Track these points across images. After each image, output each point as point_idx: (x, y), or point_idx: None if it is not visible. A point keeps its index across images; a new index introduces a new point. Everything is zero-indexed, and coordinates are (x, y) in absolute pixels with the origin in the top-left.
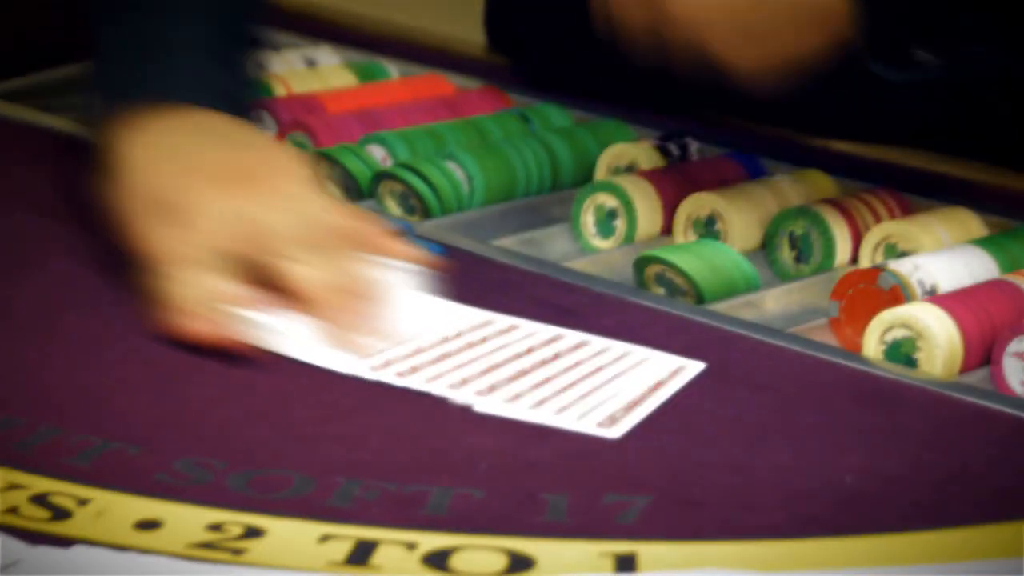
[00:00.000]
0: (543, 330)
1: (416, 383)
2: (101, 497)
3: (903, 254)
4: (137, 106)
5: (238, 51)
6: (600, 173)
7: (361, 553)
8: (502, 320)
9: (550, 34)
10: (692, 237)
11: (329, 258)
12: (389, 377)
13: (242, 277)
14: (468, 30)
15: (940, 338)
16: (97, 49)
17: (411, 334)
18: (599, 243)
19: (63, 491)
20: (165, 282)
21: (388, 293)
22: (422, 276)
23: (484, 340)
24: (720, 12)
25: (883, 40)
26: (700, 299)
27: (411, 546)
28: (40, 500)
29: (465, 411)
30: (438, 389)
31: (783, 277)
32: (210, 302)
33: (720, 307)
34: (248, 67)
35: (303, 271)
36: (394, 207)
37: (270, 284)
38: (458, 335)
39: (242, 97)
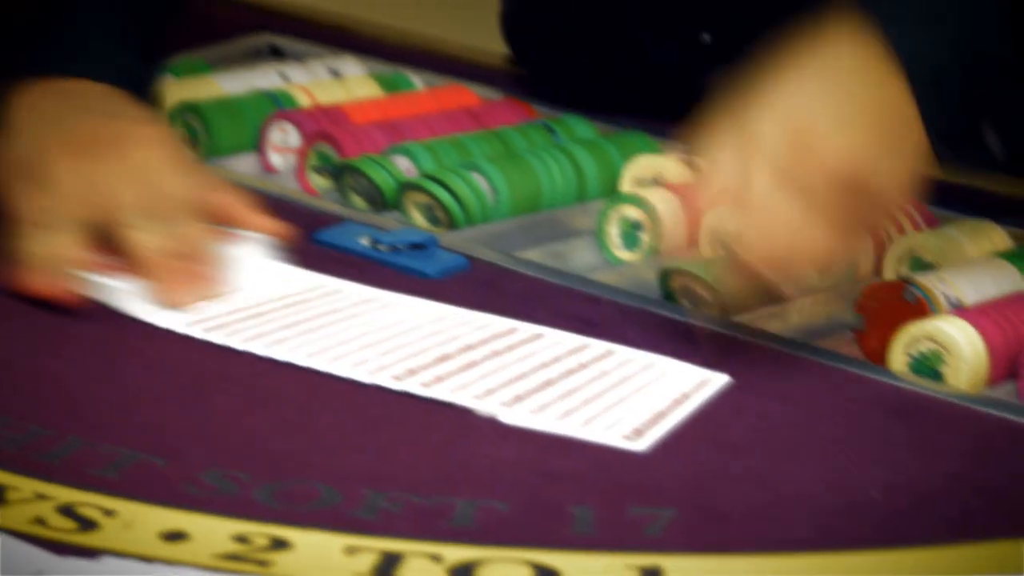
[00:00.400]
0: (568, 340)
1: (441, 393)
2: (128, 508)
3: (928, 267)
4: (31, 78)
5: (141, 30)
6: (625, 185)
7: (387, 565)
8: (527, 328)
9: (564, 44)
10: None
11: (168, 226)
12: (414, 387)
13: (92, 241)
14: (492, 41)
15: (966, 351)
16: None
17: (247, 293)
18: (624, 255)
19: (90, 502)
20: (21, 240)
21: (226, 259)
22: (269, 245)
23: (509, 349)
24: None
25: (951, 131)
26: (724, 310)
27: (436, 558)
28: (67, 511)
29: (490, 422)
30: (463, 399)
31: (808, 289)
32: (55, 261)
33: (744, 319)
34: (149, 47)
35: (140, 237)
36: (419, 218)
37: (117, 249)
38: (483, 343)
39: (135, 74)
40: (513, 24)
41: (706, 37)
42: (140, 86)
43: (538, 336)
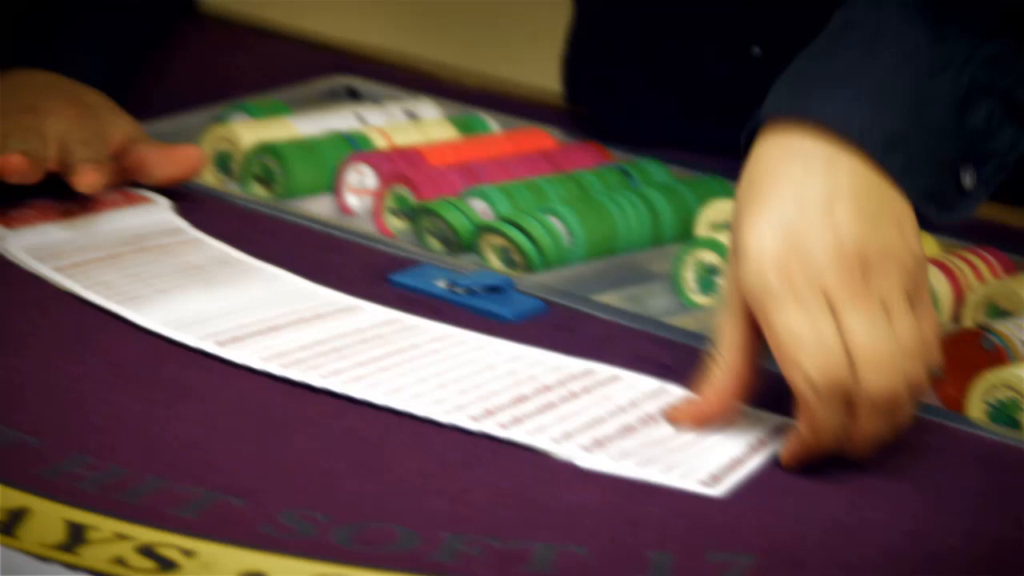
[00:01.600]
0: (645, 383)
1: (519, 435)
2: (207, 549)
3: (1005, 314)
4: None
5: (118, 41)
6: (700, 229)
7: None
8: (603, 370)
9: (622, 67)
10: None
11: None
12: (492, 428)
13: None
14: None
15: None
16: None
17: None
18: (700, 299)
19: (169, 542)
20: None
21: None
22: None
23: (586, 391)
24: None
25: (934, 187)
26: None
27: None
28: (146, 551)
29: (568, 465)
30: (541, 443)
31: None
32: None
33: None
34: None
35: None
36: (495, 261)
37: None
38: (560, 384)
39: (99, 75)
40: (575, 59)
41: (756, 50)
42: (105, 86)
43: (615, 379)
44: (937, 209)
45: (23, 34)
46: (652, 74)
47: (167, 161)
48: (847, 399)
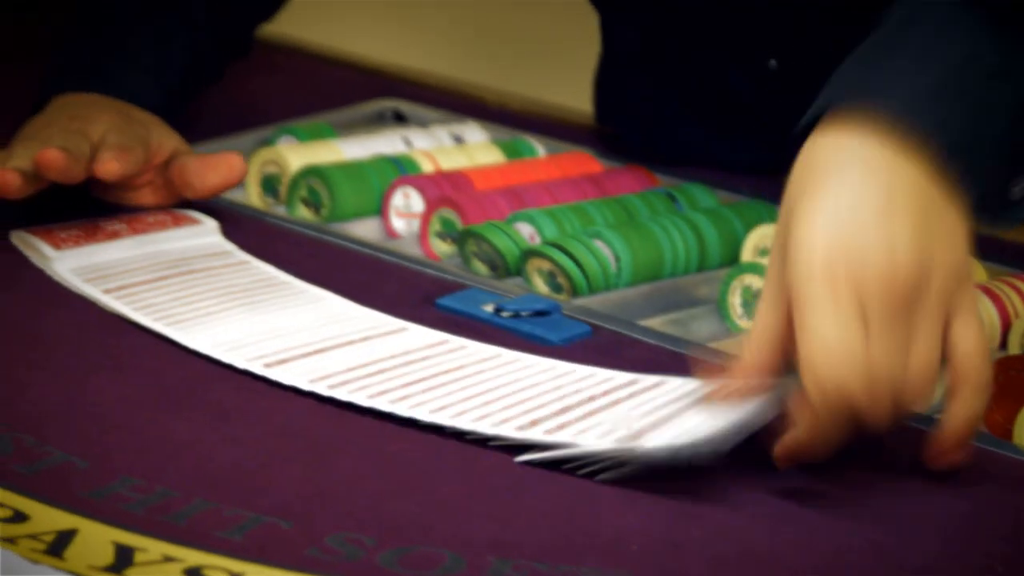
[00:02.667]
0: (691, 384)
1: (565, 437)
2: (254, 571)
3: None
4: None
5: (174, 66)
6: (746, 254)
7: None
8: (648, 379)
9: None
10: None
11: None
12: (538, 435)
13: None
14: None
15: None
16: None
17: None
18: (746, 324)
19: (216, 564)
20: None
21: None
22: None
23: (631, 396)
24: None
25: (994, 193)
26: None
27: None
28: (193, 573)
29: (615, 489)
30: (587, 441)
31: None
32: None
33: None
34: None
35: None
36: (541, 285)
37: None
38: (605, 395)
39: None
40: (605, 82)
41: (773, 63)
42: (157, 109)
43: (659, 384)
44: (991, 219)
45: (81, 58)
46: (669, 88)
47: (207, 168)
48: (851, 414)
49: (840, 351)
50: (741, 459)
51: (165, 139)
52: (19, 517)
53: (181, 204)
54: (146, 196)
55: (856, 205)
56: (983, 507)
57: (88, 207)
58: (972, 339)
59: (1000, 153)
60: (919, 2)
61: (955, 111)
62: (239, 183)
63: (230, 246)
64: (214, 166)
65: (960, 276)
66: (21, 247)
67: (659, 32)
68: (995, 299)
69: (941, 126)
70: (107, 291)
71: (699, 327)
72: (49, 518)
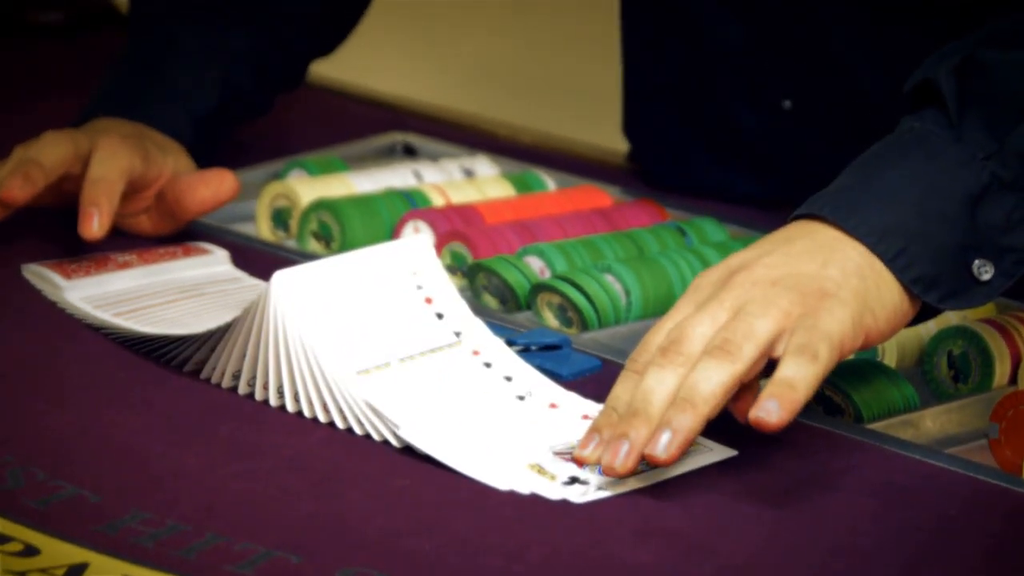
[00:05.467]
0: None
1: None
2: None
3: None
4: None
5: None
6: None
7: None
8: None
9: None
10: (849, 354)
11: None
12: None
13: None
14: (623, 142)
15: None
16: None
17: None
18: None
19: None
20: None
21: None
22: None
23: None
24: None
25: (942, 280)
26: (858, 417)
27: None
28: None
29: (626, 525)
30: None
31: (941, 396)
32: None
33: (878, 425)
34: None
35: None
36: (552, 319)
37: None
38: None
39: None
40: (631, 118)
41: (787, 104)
42: (184, 137)
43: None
44: (941, 297)
45: (119, 85)
46: (687, 123)
47: (199, 182)
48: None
49: (660, 322)
50: (759, 496)
51: (180, 166)
52: (30, 551)
53: (191, 237)
54: (143, 223)
55: (783, 249)
56: (992, 543)
57: (99, 244)
58: (791, 367)
59: (950, 237)
60: (922, 114)
61: (894, 204)
62: (230, 199)
63: (240, 274)
64: (205, 180)
65: (823, 307)
66: (32, 280)
67: (681, 70)
68: (1005, 334)
69: (872, 217)
70: (118, 314)
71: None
72: (60, 552)
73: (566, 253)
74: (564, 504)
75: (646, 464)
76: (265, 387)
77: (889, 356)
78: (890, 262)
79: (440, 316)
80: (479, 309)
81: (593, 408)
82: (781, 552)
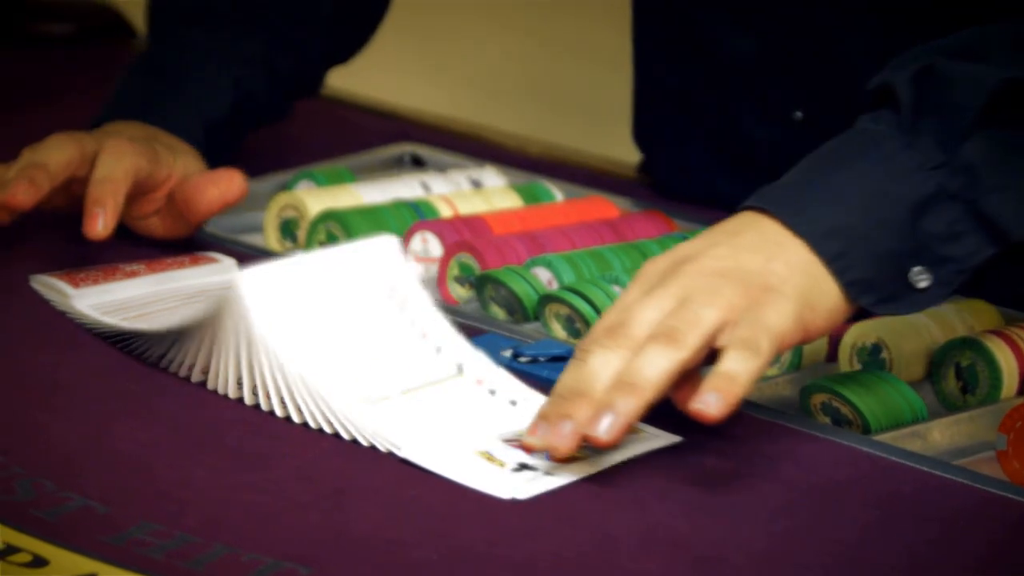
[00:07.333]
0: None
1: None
2: None
3: None
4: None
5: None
6: None
7: None
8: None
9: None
10: (857, 365)
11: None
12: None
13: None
14: (630, 153)
15: None
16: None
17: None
18: (772, 371)
19: None
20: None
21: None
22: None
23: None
24: None
25: (877, 285)
26: (866, 429)
27: None
28: None
29: (632, 535)
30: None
31: (949, 408)
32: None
33: (886, 437)
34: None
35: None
36: (559, 330)
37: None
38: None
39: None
40: (641, 129)
41: (798, 115)
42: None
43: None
44: (877, 301)
45: (132, 89)
46: (698, 133)
47: (207, 182)
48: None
49: (610, 307)
50: (765, 507)
51: (191, 167)
52: (39, 562)
53: (200, 247)
54: (155, 225)
55: (725, 242)
56: (999, 554)
57: (107, 255)
58: (733, 360)
59: (891, 243)
60: (878, 115)
61: (837, 205)
62: (240, 199)
63: None
64: (214, 180)
65: (768, 302)
66: (41, 290)
67: (692, 80)
68: (1013, 346)
69: (816, 217)
70: (126, 319)
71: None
72: (69, 563)
73: (574, 264)
74: (572, 512)
75: (592, 449)
76: (227, 382)
77: (897, 368)
78: (829, 263)
79: (412, 319)
80: (487, 320)
81: None
82: (787, 564)
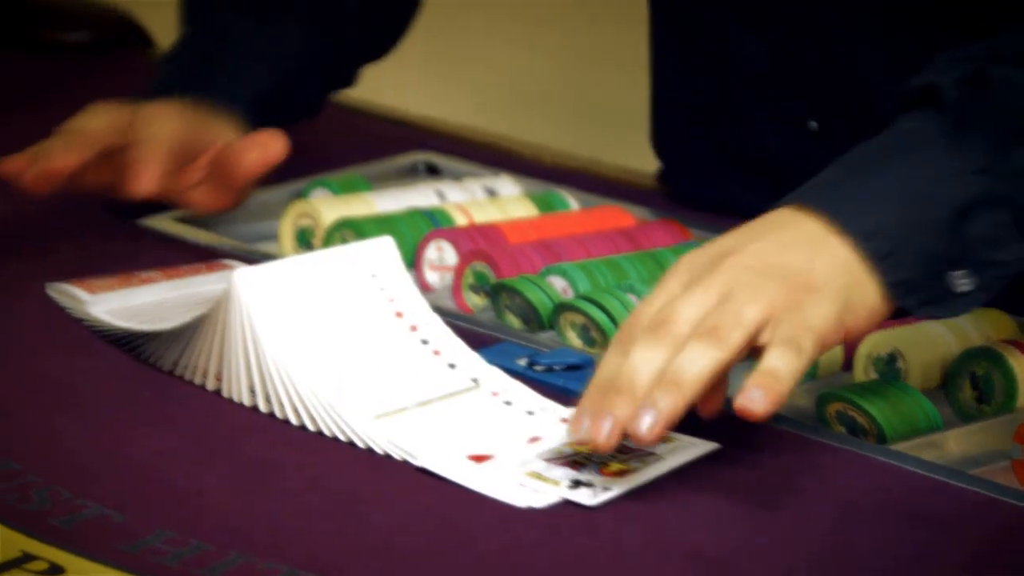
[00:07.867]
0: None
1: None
2: None
3: None
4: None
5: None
6: None
7: None
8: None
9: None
10: (872, 374)
11: None
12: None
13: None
14: (646, 162)
15: None
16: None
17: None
18: None
19: None
20: None
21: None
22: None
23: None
24: None
25: (919, 287)
26: (882, 439)
27: None
28: None
29: (648, 546)
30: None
31: (964, 417)
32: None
33: (902, 447)
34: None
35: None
36: (574, 339)
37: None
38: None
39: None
40: (659, 138)
41: (813, 124)
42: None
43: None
44: (919, 304)
45: (174, 73)
46: (714, 143)
47: (248, 146)
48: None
49: (649, 299)
50: (781, 517)
51: (231, 134)
52: (55, 570)
53: (215, 255)
54: (200, 195)
55: (766, 238)
56: (1015, 564)
57: (124, 264)
58: (777, 358)
59: (936, 245)
60: (920, 113)
61: (885, 203)
62: (280, 159)
63: None
64: (255, 142)
65: (809, 300)
66: (57, 297)
67: (708, 89)
68: None
69: (862, 215)
70: (141, 323)
71: (733, 381)
72: (85, 571)
73: (589, 273)
74: (588, 521)
75: (639, 460)
76: (240, 389)
77: (912, 377)
78: (876, 263)
79: (399, 313)
80: (501, 329)
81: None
82: (804, 574)
